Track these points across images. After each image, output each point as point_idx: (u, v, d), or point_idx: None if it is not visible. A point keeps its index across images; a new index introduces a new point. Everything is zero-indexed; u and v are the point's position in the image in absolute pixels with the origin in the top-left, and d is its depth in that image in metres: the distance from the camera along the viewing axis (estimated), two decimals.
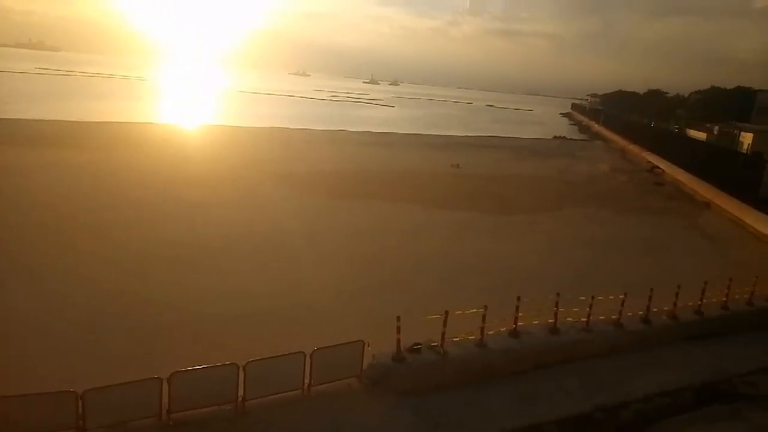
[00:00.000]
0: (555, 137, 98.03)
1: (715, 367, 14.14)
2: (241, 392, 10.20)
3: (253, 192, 32.37)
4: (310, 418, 10.40)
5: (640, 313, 15.06)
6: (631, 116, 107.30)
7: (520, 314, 13.15)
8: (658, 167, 55.70)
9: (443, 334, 12.00)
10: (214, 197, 30.12)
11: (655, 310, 15.17)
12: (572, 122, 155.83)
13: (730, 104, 79.45)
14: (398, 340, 11.69)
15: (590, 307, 14.02)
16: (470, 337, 12.66)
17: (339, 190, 34.81)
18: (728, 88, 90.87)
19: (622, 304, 14.52)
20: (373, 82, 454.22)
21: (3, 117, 55.93)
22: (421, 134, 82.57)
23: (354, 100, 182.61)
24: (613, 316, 14.62)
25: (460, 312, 12.18)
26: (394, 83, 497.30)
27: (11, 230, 21.76)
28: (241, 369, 10.07)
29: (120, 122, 62.47)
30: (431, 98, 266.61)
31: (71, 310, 15.31)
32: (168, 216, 25.63)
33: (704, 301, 15.99)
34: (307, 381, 10.89)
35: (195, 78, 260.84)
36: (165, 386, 9.54)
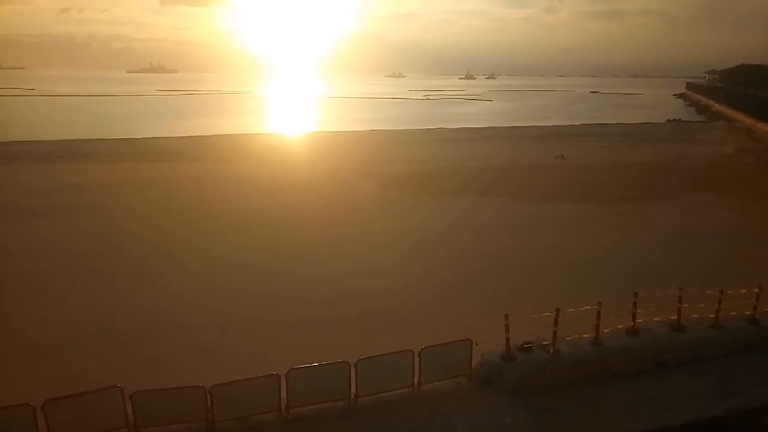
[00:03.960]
0: (668, 120, 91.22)
1: None
2: (353, 389, 10.49)
3: (354, 194, 33.18)
4: (422, 416, 10.46)
5: None
6: (757, 91, 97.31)
7: (638, 311, 12.39)
8: None
9: (555, 332, 11.58)
10: (319, 201, 31.24)
11: None
12: (688, 103, 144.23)
13: None
14: (507, 339, 11.45)
15: (719, 302, 12.88)
16: (584, 336, 12.12)
17: (439, 188, 34.78)
18: None
19: (758, 299, 13.19)
20: (468, 77, 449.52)
21: (129, 137, 61.75)
22: (521, 126, 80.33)
23: (450, 97, 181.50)
24: (747, 312, 13.35)
25: (572, 309, 11.70)
26: (491, 77, 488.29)
27: (135, 240, 23.89)
28: (352, 367, 10.35)
29: (229, 134, 66.58)
30: (530, 89, 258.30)
31: (188, 307, 16.55)
32: (274, 220, 26.93)
33: None
34: (416, 379, 10.97)
35: (297, 87, 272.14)
36: (282, 383, 10.04)
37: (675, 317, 12.77)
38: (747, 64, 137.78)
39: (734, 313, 13.28)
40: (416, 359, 10.80)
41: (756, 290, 13.18)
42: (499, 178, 38.09)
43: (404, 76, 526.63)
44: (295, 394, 10.14)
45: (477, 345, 11.37)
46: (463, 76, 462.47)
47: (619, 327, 12.52)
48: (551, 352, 11.65)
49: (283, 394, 10.12)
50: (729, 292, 12.95)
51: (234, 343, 14.44)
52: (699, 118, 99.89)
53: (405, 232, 25.07)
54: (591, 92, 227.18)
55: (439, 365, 11.10)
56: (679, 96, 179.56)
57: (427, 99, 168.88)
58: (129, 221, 26.60)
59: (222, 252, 21.99)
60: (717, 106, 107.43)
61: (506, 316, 11.24)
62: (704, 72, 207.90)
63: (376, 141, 61.73)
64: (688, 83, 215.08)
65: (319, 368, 10.39)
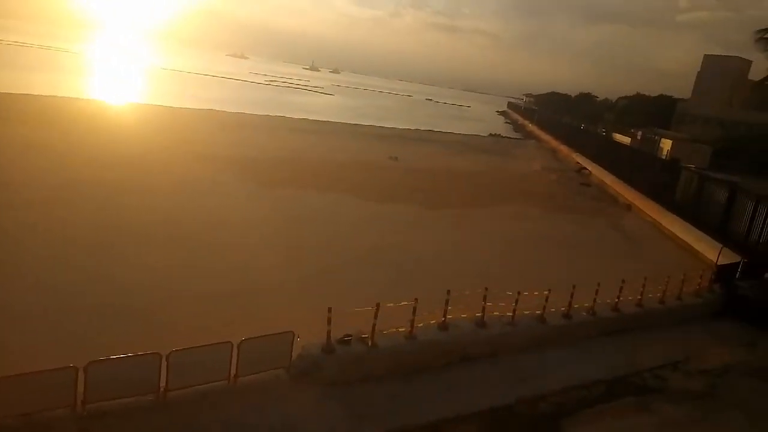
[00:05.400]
0: (490, 134, 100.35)
1: (628, 362, 14.99)
2: (163, 382, 9.87)
3: (182, 176, 31.25)
4: (235, 409, 10.21)
5: (562, 309, 15.71)
6: (563, 117, 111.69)
7: (449, 307, 13.41)
8: (586, 168, 58.15)
9: (374, 326, 12.04)
10: (138, 179, 28.86)
11: (576, 306, 15.87)
12: (507, 120, 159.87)
13: (653, 111, 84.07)
14: (329, 332, 11.63)
15: (516, 302, 14.46)
16: (400, 329, 12.80)
17: (273, 177, 34.21)
18: (652, 95, 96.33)
19: (546, 300, 15.07)
20: (313, 68, 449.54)
21: None
22: (360, 125, 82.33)
23: (293, 86, 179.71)
24: (537, 312, 15.16)
25: (391, 304, 12.27)
26: (335, 71, 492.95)
27: None
28: (163, 359, 9.73)
29: (38, 95, 58.56)
30: (371, 89, 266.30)
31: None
32: (87, 198, 24.26)
33: (621, 298, 16.87)
34: (233, 372, 10.66)
35: (124, 53, 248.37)
36: (81, 376, 9.09)
37: (479, 314, 14.07)
38: (556, 92, 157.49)
39: (527, 312, 15.03)
40: (235, 351, 10.50)
41: (546, 292, 15.06)
42: (333, 173, 38.60)
43: (247, 58, 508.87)
44: (95, 388, 9.22)
45: (299, 338, 11.40)
46: (308, 67, 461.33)
47: (432, 322, 13.44)
48: (369, 344, 12.12)
49: (81, 389, 9.16)
50: (525, 293, 14.61)
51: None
52: (516, 135, 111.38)
53: (236, 220, 24.25)
54: (426, 99, 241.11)
55: (258, 358, 10.89)
56: (501, 113, 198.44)
57: (270, 84, 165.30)
58: None
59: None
60: (531, 126, 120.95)
61: (329, 309, 11.41)
62: (523, 94, 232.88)
63: (212, 122, 58.87)
64: (509, 102, 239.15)
65: (125, 360, 9.58)
